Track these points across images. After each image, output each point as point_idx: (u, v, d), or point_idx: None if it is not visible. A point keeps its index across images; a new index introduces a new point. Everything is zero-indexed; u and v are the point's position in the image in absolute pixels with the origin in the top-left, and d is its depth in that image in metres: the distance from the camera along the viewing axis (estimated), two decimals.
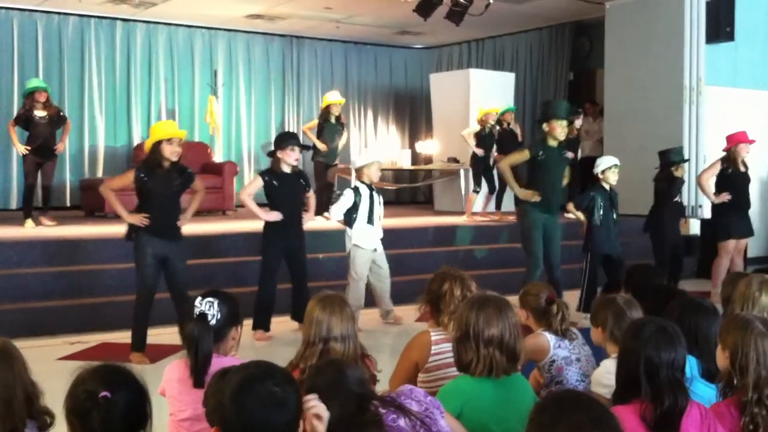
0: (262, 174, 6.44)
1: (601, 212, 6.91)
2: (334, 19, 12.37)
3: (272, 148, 6.46)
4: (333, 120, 10.12)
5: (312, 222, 6.80)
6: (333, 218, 6.81)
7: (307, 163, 11.06)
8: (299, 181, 6.41)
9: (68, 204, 11.63)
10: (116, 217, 5.85)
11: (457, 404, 2.62)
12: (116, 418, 2.04)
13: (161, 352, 5.55)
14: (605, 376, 2.99)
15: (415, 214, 11.11)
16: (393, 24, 12.62)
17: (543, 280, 6.36)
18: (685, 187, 8.64)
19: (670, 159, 7.72)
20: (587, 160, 10.38)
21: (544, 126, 6.68)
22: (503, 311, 2.72)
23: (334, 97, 10.25)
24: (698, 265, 9.50)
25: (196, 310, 2.85)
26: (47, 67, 11.62)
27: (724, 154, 7.98)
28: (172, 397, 2.92)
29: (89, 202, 10.37)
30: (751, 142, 7.95)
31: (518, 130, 10.90)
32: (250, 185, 6.61)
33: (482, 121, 10.33)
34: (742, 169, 7.96)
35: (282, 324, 6.49)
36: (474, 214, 10.38)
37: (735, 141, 7.90)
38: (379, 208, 6.70)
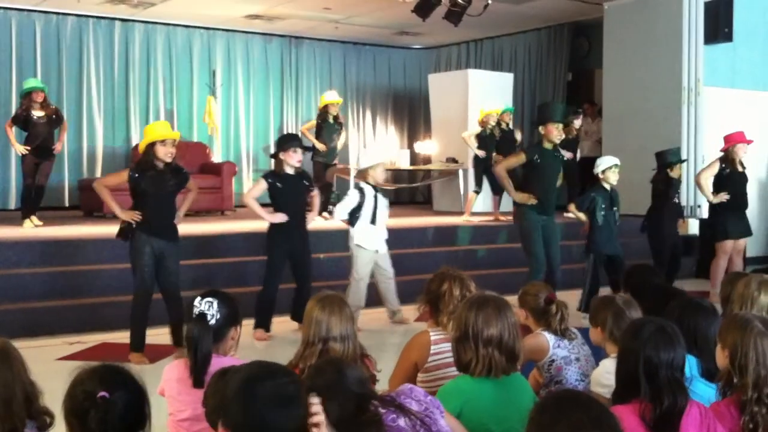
0: (266, 176, 6.47)
1: (603, 213, 6.92)
2: (333, 20, 12.37)
3: (273, 150, 6.48)
4: (331, 120, 10.13)
5: (313, 222, 6.82)
6: (336, 218, 6.84)
7: (306, 163, 11.04)
8: (302, 182, 6.44)
9: (67, 204, 11.62)
10: (115, 218, 5.84)
11: (456, 404, 2.62)
12: (114, 419, 2.04)
13: (160, 352, 5.55)
14: (605, 376, 2.99)
15: (413, 215, 11.11)
16: (392, 24, 12.62)
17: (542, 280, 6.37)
18: (683, 187, 8.65)
19: (667, 160, 7.72)
20: (586, 161, 10.40)
21: (541, 129, 6.82)
22: (502, 311, 2.73)
23: (331, 97, 10.25)
24: (697, 265, 9.51)
25: (196, 310, 2.84)
26: (45, 67, 11.61)
27: (722, 154, 8.00)
28: (171, 397, 2.92)
29: (88, 202, 10.35)
30: (749, 142, 7.97)
31: (519, 136, 10.93)
32: (253, 188, 6.65)
33: (483, 123, 10.35)
34: (740, 169, 7.98)
35: (282, 324, 6.49)
36: (474, 214, 10.38)
37: (733, 141, 7.92)
38: (383, 210, 6.72)
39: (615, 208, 7.02)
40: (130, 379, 2.15)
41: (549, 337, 3.58)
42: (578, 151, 10.78)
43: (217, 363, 2.69)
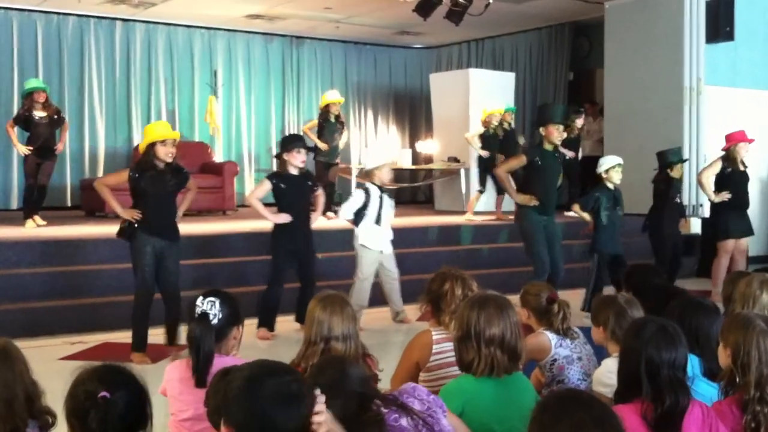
0: (270, 177, 6.49)
1: (607, 212, 6.92)
2: (334, 20, 12.37)
3: (276, 151, 6.49)
4: (332, 119, 10.12)
5: (316, 222, 6.82)
6: (342, 217, 6.85)
7: (309, 163, 11.04)
8: (306, 183, 6.45)
9: (68, 204, 11.62)
10: (116, 217, 5.85)
11: (458, 404, 2.62)
12: (115, 419, 2.04)
13: (162, 352, 5.54)
14: (606, 375, 2.99)
15: (415, 214, 11.11)
16: (393, 24, 12.62)
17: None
18: (685, 187, 8.64)
19: (668, 160, 7.72)
20: (587, 160, 10.41)
21: (541, 130, 6.81)
22: (504, 311, 2.72)
23: (332, 96, 10.25)
24: (699, 264, 9.51)
25: (198, 310, 2.84)
26: (47, 68, 11.62)
27: (724, 153, 7.99)
28: (173, 397, 2.92)
29: (89, 202, 10.36)
30: (750, 141, 7.97)
31: (521, 140, 10.93)
32: (257, 189, 6.65)
33: (486, 123, 10.35)
34: (741, 168, 7.97)
35: (285, 324, 6.49)
36: (477, 213, 10.38)
37: (734, 140, 7.91)
38: (388, 210, 6.72)
39: (618, 208, 7.03)
40: (132, 379, 2.15)
41: (551, 337, 3.58)
42: (580, 150, 10.78)
43: (219, 363, 2.69)
